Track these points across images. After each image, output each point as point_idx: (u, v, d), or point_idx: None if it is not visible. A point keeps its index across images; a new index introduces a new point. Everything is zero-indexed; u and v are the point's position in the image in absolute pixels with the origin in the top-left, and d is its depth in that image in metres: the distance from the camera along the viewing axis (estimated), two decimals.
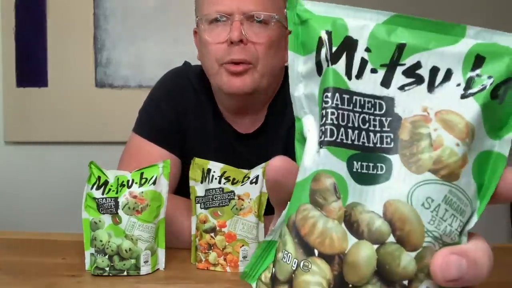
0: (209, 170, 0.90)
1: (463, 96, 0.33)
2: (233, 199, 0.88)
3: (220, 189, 0.88)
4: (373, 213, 0.32)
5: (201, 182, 0.90)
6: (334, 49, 0.34)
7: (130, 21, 2.00)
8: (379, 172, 0.32)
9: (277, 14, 1.03)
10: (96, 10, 2.00)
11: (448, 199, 0.32)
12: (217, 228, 0.88)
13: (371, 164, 0.32)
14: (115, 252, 0.85)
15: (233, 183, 0.88)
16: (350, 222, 0.32)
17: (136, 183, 0.87)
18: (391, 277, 0.31)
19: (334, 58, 0.34)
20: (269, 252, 0.38)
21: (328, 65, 0.34)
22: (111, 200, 0.86)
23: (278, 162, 0.37)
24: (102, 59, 2.00)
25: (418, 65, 0.34)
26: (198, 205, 0.90)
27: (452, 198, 0.32)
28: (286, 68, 1.14)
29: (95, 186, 0.87)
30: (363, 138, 0.33)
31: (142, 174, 0.88)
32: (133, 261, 0.86)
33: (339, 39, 0.34)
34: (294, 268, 0.33)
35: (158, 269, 0.89)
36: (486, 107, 0.32)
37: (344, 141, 0.33)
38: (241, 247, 0.87)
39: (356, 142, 0.33)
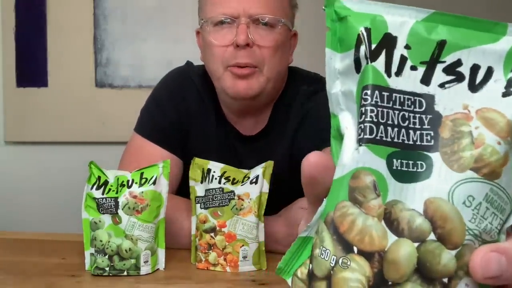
0: (209, 170, 0.90)
1: (505, 94, 0.33)
2: (233, 199, 0.88)
3: (220, 189, 0.88)
4: (413, 211, 0.32)
5: (201, 182, 0.90)
6: (373, 46, 0.34)
7: (130, 21, 2.00)
8: (419, 170, 0.32)
9: (284, 18, 1.03)
10: (96, 10, 1.99)
11: (489, 198, 0.32)
12: (217, 228, 0.88)
13: (411, 162, 0.33)
14: (115, 252, 0.85)
15: (233, 183, 0.88)
16: (390, 220, 0.32)
17: (136, 183, 0.87)
18: (431, 275, 0.31)
19: (373, 55, 0.34)
20: (304, 248, 0.38)
21: (367, 62, 0.34)
22: (111, 200, 0.86)
23: (314, 157, 0.36)
24: (102, 59, 2.00)
25: (458, 62, 0.34)
26: (198, 205, 0.90)
27: (493, 197, 0.32)
28: (290, 69, 1.13)
29: (95, 186, 0.87)
30: (403, 136, 0.33)
31: (142, 174, 0.88)
32: (133, 261, 0.86)
33: (379, 36, 0.34)
34: (332, 265, 0.33)
35: (158, 269, 0.89)
36: None
37: (384, 138, 0.33)
38: (241, 247, 0.87)
39: (395, 140, 0.33)
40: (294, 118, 1.10)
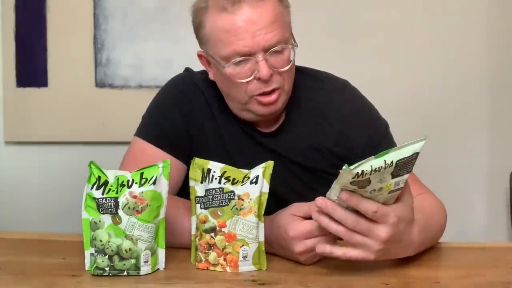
0: (209, 170, 0.90)
1: None
2: (233, 199, 0.88)
3: (220, 189, 0.88)
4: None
5: (201, 182, 0.90)
6: None
7: (130, 21, 1.99)
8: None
9: (289, 33, 1.04)
10: (96, 10, 1.99)
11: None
12: (217, 228, 0.88)
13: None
14: (115, 252, 0.85)
15: (233, 183, 0.88)
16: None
17: (136, 183, 0.87)
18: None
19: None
20: None
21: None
22: (111, 200, 0.86)
23: None
24: (102, 59, 2.00)
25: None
26: (198, 205, 0.90)
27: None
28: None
29: (95, 186, 0.87)
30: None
31: (142, 174, 0.88)
32: (133, 261, 0.86)
33: None
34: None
35: (158, 269, 0.89)
36: None
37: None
38: (241, 247, 0.87)
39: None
40: (306, 114, 1.13)
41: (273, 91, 1.03)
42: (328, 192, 0.81)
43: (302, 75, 1.15)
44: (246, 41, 0.99)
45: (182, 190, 1.09)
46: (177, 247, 0.96)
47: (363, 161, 0.75)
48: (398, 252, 0.86)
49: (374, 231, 0.81)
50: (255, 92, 1.03)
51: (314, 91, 1.15)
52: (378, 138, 1.13)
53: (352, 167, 0.75)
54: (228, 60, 1.01)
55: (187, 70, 1.20)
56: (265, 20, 0.99)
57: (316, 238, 0.88)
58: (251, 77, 1.01)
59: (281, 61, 1.02)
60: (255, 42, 0.99)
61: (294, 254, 0.90)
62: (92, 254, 0.86)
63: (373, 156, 0.75)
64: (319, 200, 0.82)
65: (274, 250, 0.94)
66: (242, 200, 0.87)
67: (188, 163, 1.11)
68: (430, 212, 0.98)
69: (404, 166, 0.78)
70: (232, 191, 0.88)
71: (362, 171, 0.75)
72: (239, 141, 1.12)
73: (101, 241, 0.85)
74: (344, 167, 0.75)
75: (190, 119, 1.13)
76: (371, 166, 0.75)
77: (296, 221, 0.90)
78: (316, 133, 1.13)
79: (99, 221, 0.86)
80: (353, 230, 0.81)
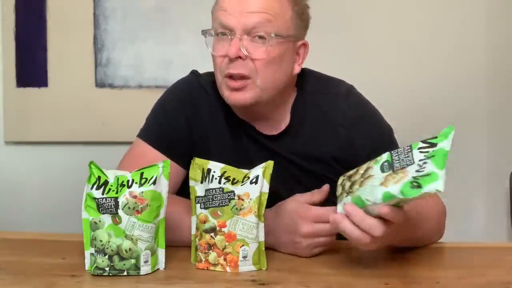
0: (209, 170, 0.90)
1: None
2: (233, 199, 0.88)
3: (220, 189, 0.88)
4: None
5: (201, 182, 0.91)
6: None
7: (130, 21, 1.99)
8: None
9: (283, 30, 1.03)
10: (96, 10, 1.99)
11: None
12: (217, 228, 0.88)
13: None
14: (115, 252, 0.85)
15: (233, 183, 0.89)
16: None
17: (136, 183, 0.87)
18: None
19: None
20: None
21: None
22: (111, 200, 0.86)
23: None
24: (102, 59, 2.00)
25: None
26: (198, 205, 0.90)
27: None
28: (301, 72, 1.13)
29: (95, 186, 0.87)
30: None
31: (142, 174, 0.88)
32: (133, 261, 0.86)
33: None
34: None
35: (158, 269, 0.89)
36: None
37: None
38: (241, 247, 0.87)
39: None
40: (312, 119, 1.12)
41: (240, 79, 1.02)
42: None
43: (307, 78, 1.15)
44: (230, 16, 1.01)
45: (182, 191, 1.09)
46: (177, 245, 0.96)
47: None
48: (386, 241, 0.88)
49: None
50: (224, 71, 1.03)
51: (318, 95, 1.14)
52: (383, 145, 1.11)
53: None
54: (214, 32, 1.05)
55: (194, 72, 1.19)
56: (256, 4, 1.01)
57: (325, 224, 0.92)
58: (225, 54, 1.02)
59: (258, 50, 1.01)
60: (236, 19, 1.01)
61: (298, 237, 0.93)
62: (92, 254, 0.86)
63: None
64: (349, 207, 0.84)
65: (278, 238, 0.95)
66: (242, 200, 0.87)
67: (187, 167, 1.10)
68: (422, 207, 0.97)
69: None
70: (232, 191, 0.88)
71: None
72: (242, 144, 1.12)
73: (101, 241, 0.85)
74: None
75: (195, 123, 1.13)
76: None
77: (307, 205, 0.95)
78: (319, 139, 1.12)
79: (99, 221, 0.86)
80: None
